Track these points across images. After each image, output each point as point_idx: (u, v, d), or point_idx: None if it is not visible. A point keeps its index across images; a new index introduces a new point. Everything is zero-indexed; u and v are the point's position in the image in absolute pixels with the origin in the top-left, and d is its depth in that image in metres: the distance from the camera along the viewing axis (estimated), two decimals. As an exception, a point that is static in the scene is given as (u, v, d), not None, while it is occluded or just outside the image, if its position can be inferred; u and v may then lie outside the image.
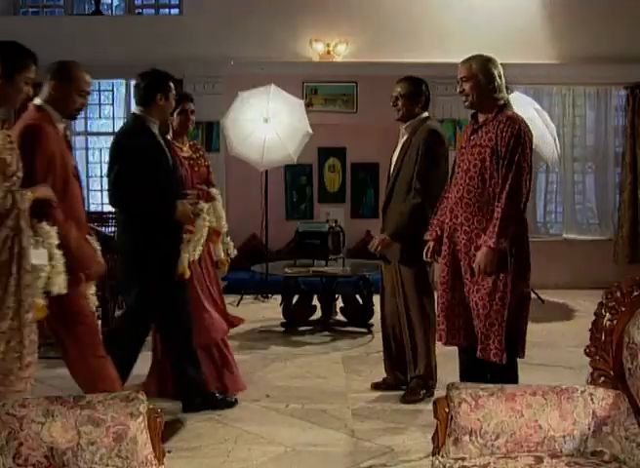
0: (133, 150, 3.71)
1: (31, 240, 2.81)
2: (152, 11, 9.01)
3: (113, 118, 8.57)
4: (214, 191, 4.42)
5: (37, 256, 2.82)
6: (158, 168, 3.77)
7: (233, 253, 4.58)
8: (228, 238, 4.56)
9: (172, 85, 3.91)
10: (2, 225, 2.70)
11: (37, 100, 3.26)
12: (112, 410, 2.16)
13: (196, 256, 4.08)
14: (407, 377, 4.35)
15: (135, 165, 3.68)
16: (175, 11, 8.81)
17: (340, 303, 6.36)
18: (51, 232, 2.91)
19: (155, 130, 3.83)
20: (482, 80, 3.51)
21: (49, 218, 2.94)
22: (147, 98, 3.81)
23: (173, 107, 4.00)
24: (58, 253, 2.92)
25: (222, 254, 4.48)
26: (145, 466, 2.15)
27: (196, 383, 4.00)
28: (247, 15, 8.12)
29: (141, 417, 2.17)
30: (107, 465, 2.12)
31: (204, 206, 4.12)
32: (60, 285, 2.94)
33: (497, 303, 3.42)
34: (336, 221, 7.44)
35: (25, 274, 2.74)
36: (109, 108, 8.65)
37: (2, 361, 2.67)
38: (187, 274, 3.95)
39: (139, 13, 8.94)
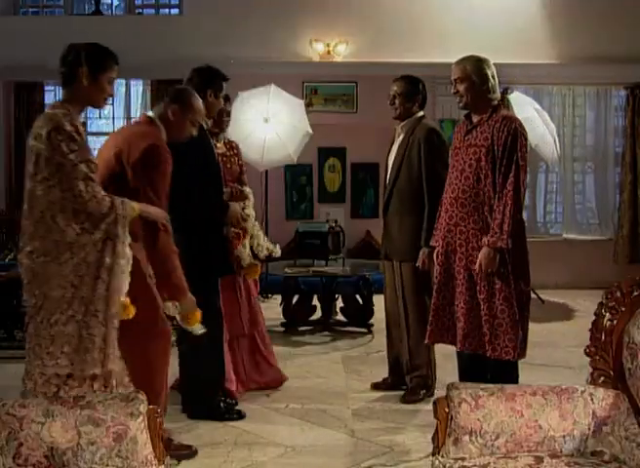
0: (193, 151, 3.65)
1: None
2: (152, 11, 9.01)
3: (113, 118, 8.58)
4: (247, 190, 4.39)
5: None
6: (212, 167, 3.77)
7: (277, 252, 4.51)
8: (266, 239, 4.49)
9: (223, 84, 3.93)
10: (96, 228, 2.80)
11: (151, 114, 3.40)
12: (112, 410, 2.16)
13: (262, 254, 4.22)
14: (406, 376, 4.35)
15: (194, 167, 3.64)
16: (175, 11, 8.82)
17: (340, 303, 6.36)
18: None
19: (205, 126, 3.84)
20: (476, 81, 3.53)
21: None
22: (198, 94, 3.80)
23: (221, 106, 3.99)
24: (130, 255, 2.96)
25: (248, 259, 4.33)
26: (145, 466, 2.15)
27: (207, 391, 3.95)
28: (247, 15, 8.12)
29: (141, 417, 2.17)
30: (107, 465, 2.12)
31: (252, 212, 4.18)
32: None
33: (501, 303, 3.43)
34: (336, 221, 7.44)
35: (114, 278, 2.81)
36: (109, 108, 8.65)
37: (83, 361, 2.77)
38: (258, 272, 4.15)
39: (139, 13, 8.94)
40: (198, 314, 3.25)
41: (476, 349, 3.52)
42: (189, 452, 3.46)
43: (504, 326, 3.41)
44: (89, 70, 2.87)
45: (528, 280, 3.51)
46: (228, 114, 4.39)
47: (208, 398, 3.94)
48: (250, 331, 4.39)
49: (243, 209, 4.16)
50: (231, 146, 4.50)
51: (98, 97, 2.95)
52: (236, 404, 4.12)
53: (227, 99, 4.34)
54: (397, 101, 4.26)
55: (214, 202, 3.82)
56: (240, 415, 3.98)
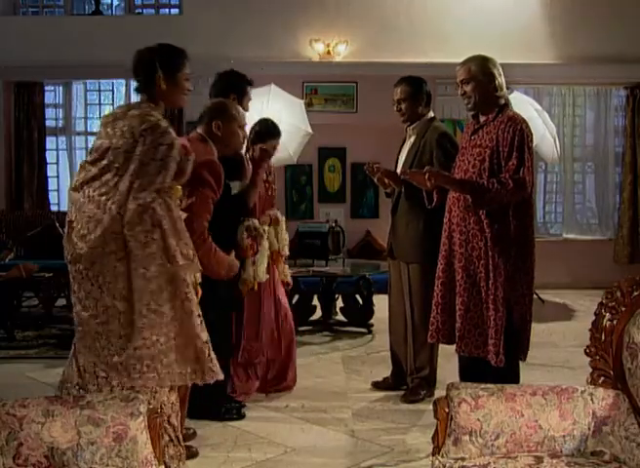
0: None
1: None
2: (152, 11, 9.01)
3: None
4: (279, 215, 4.38)
5: None
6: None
7: (286, 274, 4.50)
8: (286, 266, 4.51)
9: (248, 88, 3.94)
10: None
11: (200, 130, 3.49)
12: (112, 410, 2.16)
13: (262, 278, 4.09)
14: (407, 377, 4.35)
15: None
16: (175, 11, 8.83)
17: (340, 303, 6.36)
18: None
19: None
20: (483, 80, 3.51)
21: None
22: (221, 97, 3.82)
23: (247, 110, 3.94)
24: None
25: (289, 276, 4.46)
26: (145, 466, 2.15)
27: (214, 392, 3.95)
28: (247, 15, 8.13)
29: (141, 417, 2.17)
30: (107, 465, 2.12)
31: (266, 228, 4.14)
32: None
33: (487, 307, 3.42)
34: (336, 221, 7.45)
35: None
36: (109, 108, 8.65)
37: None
38: (256, 287, 4.05)
39: (138, 13, 8.95)
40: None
41: (471, 352, 3.51)
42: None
43: (492, 329, 3.40)
44: (165, 75, 2.88)
45: (531, 283, 3.47)
46: (275, 148, 4.28)
47: (210, 399, 3.94)
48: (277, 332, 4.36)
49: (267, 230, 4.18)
50: (270, 171, 4.40)
51: (178, 97, 2.97)
52: (243, 406, 4.10)
53: (279, 134, 4.29)
54: (403, 106, 4.22)
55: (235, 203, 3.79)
56: (240, 415, 3.98)
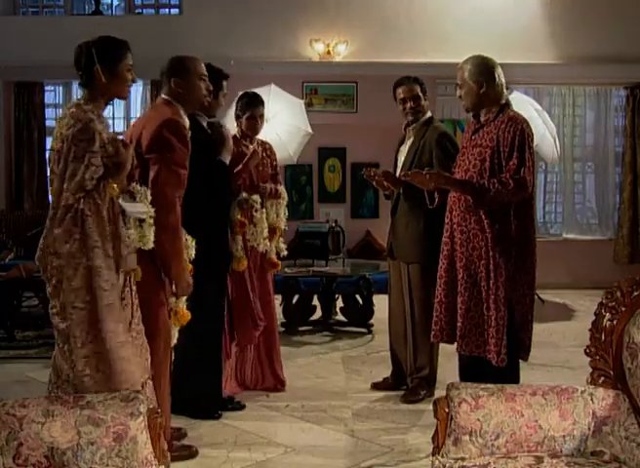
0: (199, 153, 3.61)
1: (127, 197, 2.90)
2: (152, 11, 9.02)
3: (113, 118, 8.56)
4: (282, 190, 4.47)
5: (134, 207, 2.91)
6: (210, 163, 3.75)
7: (281, 249, 4.51)
8: (281, 239, 4.53)
9: (224, 83, 3.94)
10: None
11: (165, 96, 3.38)
12: (112, 410, 2.16)
13: (260, 248, 4.21)
14: (407, 377, 4.35)
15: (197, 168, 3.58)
16: (175, 11, 8.83)
17: (340, 303, 6.36)
18: (146, 190, 2.99)
19: (204, 124, 3.86)
20: (473, 86, 3.50)
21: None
22: None
23: (221, 106, 4.02)
24: (151, 210, 2.99)
25: (274, 255, 4.44)
26: (145, 466, 2.14)
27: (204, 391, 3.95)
28: (247, 15, 8.13)
29: (141, 417, 2.17)
30: (107, 465, 2.12)
31: (257, 199, 4.19)
32: (151, 240, 3.00)
33: (487, 307, 3.42)
34: (336, 221, 7.45)
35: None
36: (109, 108, 8.61)
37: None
38: (244, 265, 4.07)
39: (138, 13, 8.95)
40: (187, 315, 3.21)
41: (472, 351, 3.51)
42: (189, 453, 3.46)
43: (492, 328, 3.40)
44: (104, 67, 2.83)
45: (532, 284, 3.47)
46: (262, 116, 4.40)
47: (203, 403, 3.96)
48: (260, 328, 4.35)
49: (262, 204, 4.24)
50: (264, 148, 4.51)
51: (121, 89, 2.93)
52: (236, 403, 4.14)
53: (262, 103, 4.41)
54: (414, 103, 4.19)
55: (221, 195, 3.79)
56: (240, 405, 4.08)
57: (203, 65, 3.45)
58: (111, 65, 2.84)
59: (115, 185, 2.77)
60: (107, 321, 2.69)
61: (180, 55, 3.52)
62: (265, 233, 4.24)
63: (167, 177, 3.12)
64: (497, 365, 3.39)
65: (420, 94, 4.22)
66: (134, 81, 2.95)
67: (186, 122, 3.32)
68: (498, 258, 3.40)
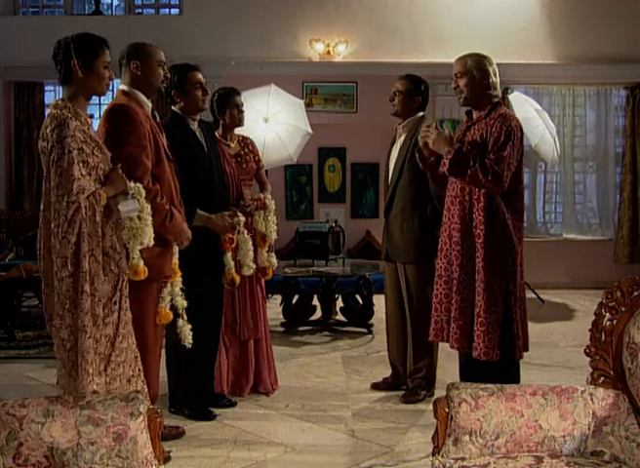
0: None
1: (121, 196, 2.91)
2: (152, 11, 9.01)
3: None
4: (268, 200, 4.33)
5: (126, 205, 2.90)
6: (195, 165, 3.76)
7: (273, 264, 4.40)
8: (272, 252, 4.42)
9: (195, 74, 3.97)
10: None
11: (122, 86, 3.41)
12: (112, 410, 2.16)
13: (244, 273, 4.05)
14: (407, 377, 4.34)
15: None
16: (175, 11, 8.83)
17: (340, 303, 6.36)
18: (140, 187, 2.99)
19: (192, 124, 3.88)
20: (477, 75, 3.52)
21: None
22: (179, 92, 3.89)
23: (201, 98, 3.98)
24: (147, 206, 3.00)
25: (266, 263, 4.34)
26: (145, 466, 2.15)
27: (193, 396, 3.97)
28: (247, 15, 8.13)
29: (141, 417, 2.17)
30: (107, 465, 2.12)
31: (242, 219, 3.99)
32: (149, 236, 3.00)
33: (481, 304, 3.43)
34: (336, 221, 7.44)
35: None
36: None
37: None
38: (237, 281, 3.98)
39: (138, 13, 8.95)
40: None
41: (465, 349, 3.52)
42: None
43: (486, 325, 3.41)
44: (81, 61, 2.86)
45: (519, 279, 3.50)
46: (242, 105, 4.36)
47: (193, 401, 3.97)
48: (249, 336, 4.33)
49: (239, 218, 4.00)
50: (245, 144, 4.46)
51: (98, 85, 2.95)
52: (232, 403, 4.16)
53: (238, 93, 4.38)
54: (397, 99, 4.25)
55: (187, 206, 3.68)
56: (231, 403, 4.12)
57: (163, 53, 3.50)
58: (88, 60, 2.88)
59: (103, 194, 2.80)
60: (89, 326, 2.72)
61: (137, 41, 3.52)
62: (251, 255, 4.08)
63: (131, 169, 3.10)
64: (491, 359, 3.41)
65: (409, 92, 4.23)
66: (111, 79, 2.98)
67: (146, 106, 3.35)
68: (490, 257, 3.43)
